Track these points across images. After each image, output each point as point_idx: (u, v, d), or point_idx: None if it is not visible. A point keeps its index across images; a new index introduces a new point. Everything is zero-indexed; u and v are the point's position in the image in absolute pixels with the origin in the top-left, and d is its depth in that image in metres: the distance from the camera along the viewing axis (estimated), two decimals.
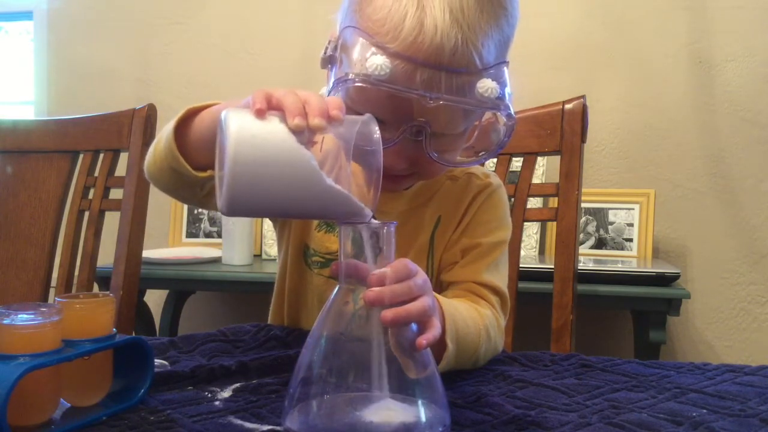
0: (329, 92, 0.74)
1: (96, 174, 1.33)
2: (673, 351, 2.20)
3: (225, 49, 2.54)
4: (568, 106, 1.13)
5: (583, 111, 1.12)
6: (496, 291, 0.86)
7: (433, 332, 0.58)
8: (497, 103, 0.72)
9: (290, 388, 0.57)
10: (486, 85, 0.71)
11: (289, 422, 0.56)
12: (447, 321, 0.71)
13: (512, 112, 0.74)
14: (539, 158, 1.28)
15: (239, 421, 0.60)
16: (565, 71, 2.25)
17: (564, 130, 1.13)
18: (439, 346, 0.70)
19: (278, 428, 0.58)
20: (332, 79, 0.75)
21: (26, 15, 2.77)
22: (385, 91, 0.70)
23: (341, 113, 0.58)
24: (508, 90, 0.74)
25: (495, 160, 1.19)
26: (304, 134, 0.55)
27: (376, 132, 0.59)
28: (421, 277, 0.60)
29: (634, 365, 0.79)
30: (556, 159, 1.14)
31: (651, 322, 1.85)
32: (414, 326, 0.57)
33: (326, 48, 0.77)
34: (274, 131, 0.55)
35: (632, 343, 2.07)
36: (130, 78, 2.61)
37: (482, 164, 0.96)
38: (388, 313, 0.55)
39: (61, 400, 0.61)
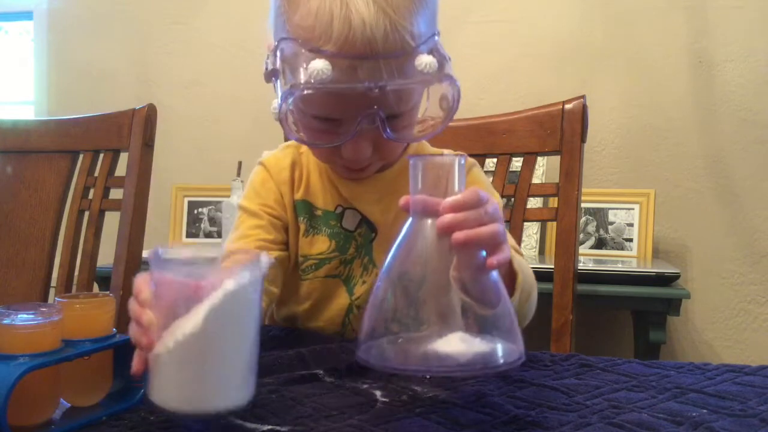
0: (280, 105, 0.76)
1: (96, 174, 1.33)
2: (673, 351, 2.20)
3: (225, 49, 2.54)
4: (568, 106, 1.13)
5: (583, 111, 1.12)
6: (516, 251, 0.86)
7: (504, 254, 0.60)
8: (438, 74, 0.75)
9: (364, 322, 0.59)
10: (423, 61, 0.74)
11: (363, 353, 0.57)
12: (512, 252, 0.71)
13: (454, 78, 0.77)
14: (539, 158, 1.28)
15: (239, 421, 0.60)
16: (565, 71, 2.25)
17: (564, 130, 1.13)
18: (508, 279, 0.72)
19: (278, 428, 0.58)
20: (279, 92, 0.77)
21: (26, 15, 2.78)
22: (333, 92, 0.73)
23: (144, 294, 0.57)
24: (447, 56, 0.77)
25: (495, 159, 1.19)
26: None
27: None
28: (492, 204, 0.61)
29: (634, 365, 0.79)
30: (556, 159, 1.14)
31: (651, 322, 1.85)
32: (484, 253, 0.58)
33: (266, 63, 0.79)
34: (171, 363, 0.54)
35: (632, 343, 2.07)
36: (130, 78, 2.62)
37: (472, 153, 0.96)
38: (460, 235, 0.56)
39: (61, 400, 0.61)
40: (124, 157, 1.31)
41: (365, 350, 0.58)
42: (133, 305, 0.58)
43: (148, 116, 1.29)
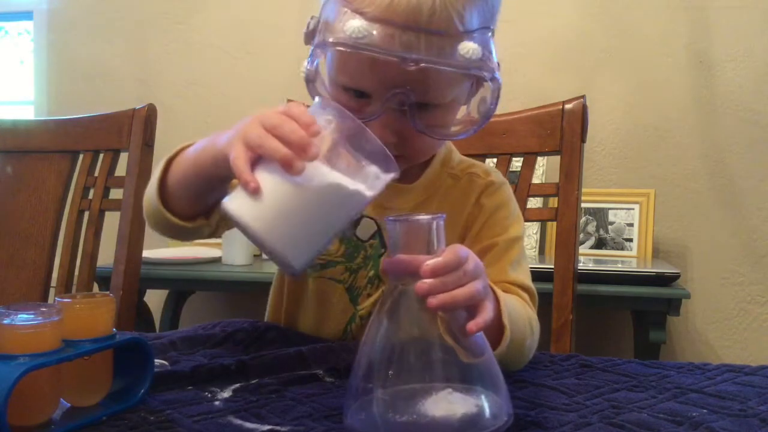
0: (310, 61, 0.74)
1: (96, 174, 1.33)
2: (673, 351, 2.20)
3: (225, 49, 2.54)
4: (568, 106, 1.13)
5: (583, 111, 1.12)
6: (524, 288, 0.84)
7: (484, 316, 0.58)
8: (480, 64, 0.71)
9: (350, 386, 0.58)
10: (467, 47, 0.70)
11: (351, 419, 0.56)
12: (502, 305, 0.69)
13: (497, 75, 0.73)
14: (539, 158, 1.28)
15: (239, 421, 0.60)
16: (565, 71, 2.25)
17: (564, 130, 1.13)
18: (495, 331, 0.68)
19: (278, 428, 0.58)
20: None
21: (26, 15, 2.77)
22: (366, 58, 0.70)
23: (316, 125, 0.58)
24: (494, 56, 0.74)
25: (495, 159, 1.19)
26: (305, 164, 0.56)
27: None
28: (473, 261, 0.59)
29: (634, 365, 0.79)
30: (556, 159, 1.14)
31: (651, 322, 1.85)
32: (464, 313, 0.57)
33: (308, 23, 0.77)
34: (284, 191, 0.56)
35: (632, 343, 2.07)
36: (130, 78, 2.61)
37: (484, 161, 0.96)
38: (434, 300, 0.55)
39: (61, 400, 0.61)
40: (124, 157, 1.31)
41: (353, 415, 0.56)
42: (289, 123, 0.58)
43: (148, 116, 1.29)
